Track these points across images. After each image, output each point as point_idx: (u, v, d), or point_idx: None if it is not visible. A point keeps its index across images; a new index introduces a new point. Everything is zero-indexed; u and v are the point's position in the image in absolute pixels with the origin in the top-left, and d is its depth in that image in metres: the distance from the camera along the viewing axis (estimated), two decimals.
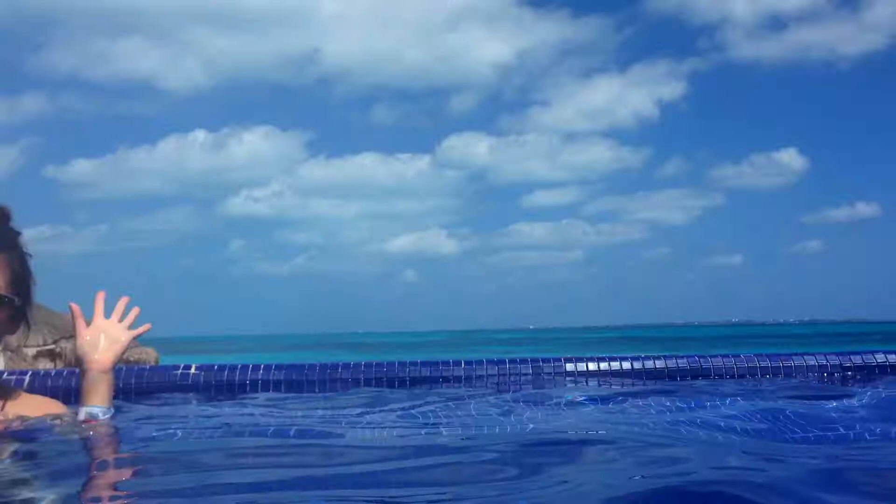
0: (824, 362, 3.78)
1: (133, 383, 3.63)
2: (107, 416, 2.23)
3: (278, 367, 3.69)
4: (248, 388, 3.63)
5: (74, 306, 2.29)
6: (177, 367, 3.66)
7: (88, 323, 2.30)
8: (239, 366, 3.69)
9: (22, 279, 2.08)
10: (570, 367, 3.79)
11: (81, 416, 2.20)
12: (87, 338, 2.27)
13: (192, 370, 3.65)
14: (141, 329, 2.37)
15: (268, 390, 3.63)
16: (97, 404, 2.23)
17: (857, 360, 3.78)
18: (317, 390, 3.62)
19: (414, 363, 3.80)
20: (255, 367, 3.69)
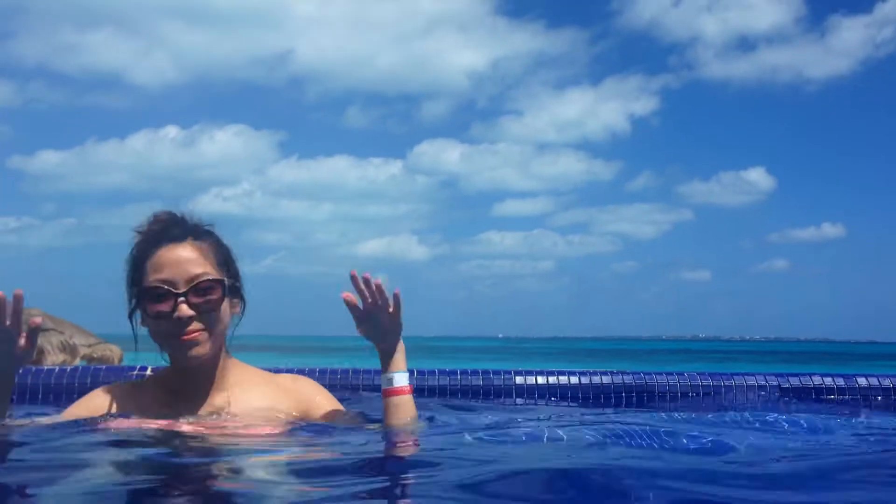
0: (763, 382, 3.92)
1: (89, 384, 3.67)
2: (403, 382, 2.28)
3: None
4: None
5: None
6: (133, 368, 3.71)
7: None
8: None
9: (228, 260, 2.20)
10: (519, 379, 3.89)
11: (384, 383, 2.29)
12: (368, 326, 2.26)
13: (149, 371, 3.69)
14: (395, 299, 2.24)
15: None
16: (395, 370, 2.28)
17: (795, 381, 3.93)
18: None
19: (367, 371, 3.88)
20: None
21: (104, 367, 3.89)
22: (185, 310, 2.06)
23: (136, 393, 2.26)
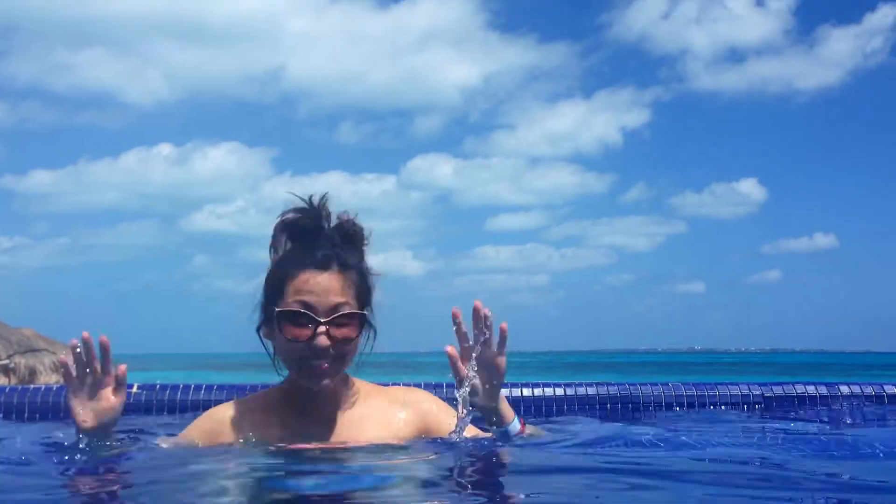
0: (747, 392, 3.95)
1: None
2: (517, 426, 2.28)
3: (220, 388, 3.77)
4: (189, 409, 3.70)
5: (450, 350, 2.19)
6: None
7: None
8: (181, 386, 3.76)
9: (367, 290, 2.15)
10: (504, 391, 3.91)
11: (512, 433, 2.26)
12: (476, 386, 2.20)
13: (135, 389, 3.71)
14: (503, 341, 2.20)
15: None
16: (509, 420, 2.28)
17: (779, 390, 3.96)
18: None
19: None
20: (198, 388, 3.77)
21: None
22: (323, 340, 2.03)
23: (256, 411, 2.22)
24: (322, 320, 2.03)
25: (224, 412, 2.22)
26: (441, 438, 2.17)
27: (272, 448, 2.08)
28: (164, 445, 2.21)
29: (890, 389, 3.97)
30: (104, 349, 2.05)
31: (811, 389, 3.96)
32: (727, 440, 2.51)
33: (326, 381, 2.07)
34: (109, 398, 2.07)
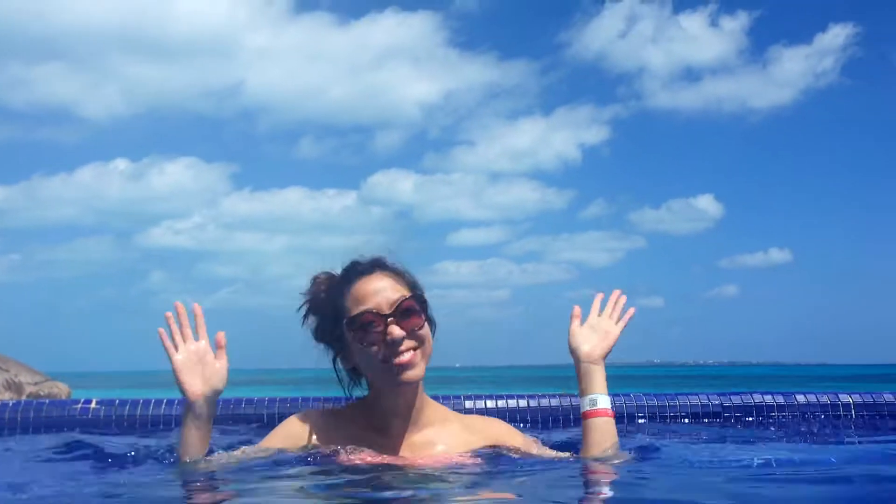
0: (706, 402, 4.01)
1: (32, 418, 3.62)
2: (606, 404, 2.35)
3: (181, 403, 3.72)
4: (149, 424, 3.66)
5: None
6: (77, 402, 3.67)
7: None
8: (141, 401, 3.71)
9: (415, 283, 2.28)
10: (469, 404, 3.93)
11: (585, 405, 2.35)
12: (579, 334, 2.43)
13: (93, 405, 3.65)
14: (627, 316, 2.48)
15: (170, 426, 3.66)
16: (596, 392, 2.36)
17: (737, 400, 4.02)
18: (220, 426, 3.66)
19: (317, 398, 3.88)
20: (158, 402, 3.72)
21: (48, 401, 3.83)
22: (396, 331, 2.11)
23: (339, 423, 2.26)
24: (388, 313, 2.12)
25: (306, 420, 2.26)
26: (515, 457, 2.23)
27: (345, 460, 2.10)
28: (242, 454, 2.21)
29: (844, 398, 4.05)
30: (196, 316, 2.20)
31: (768, 399, 4.03)
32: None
33: (409, 376, 2.13)
34: (213, 363, 2.18)
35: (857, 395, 4.02)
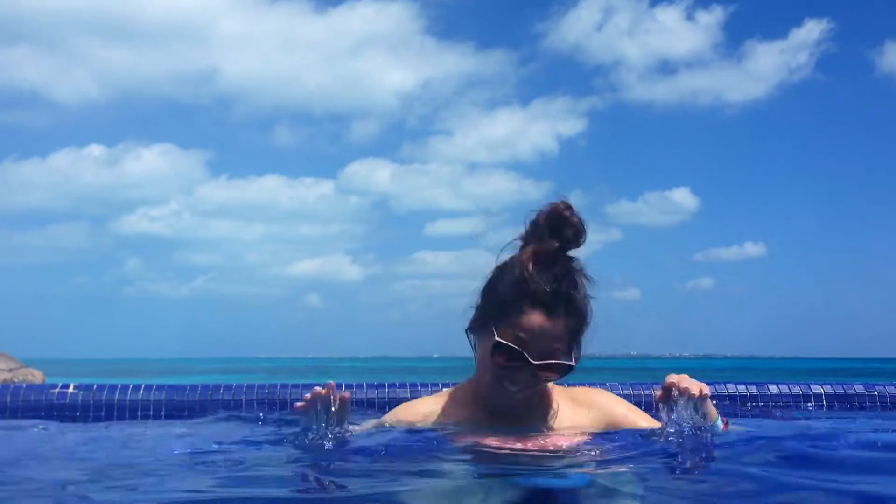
0: None
1: (9, 402, 3.60)
2: (720, 423, 2.24)
3: (159, 388, 3.73)
4: (127, 409, 3.66)
5: None
6: (55, 386, 3.66)
7: None
8: (119, 386, 3.71)
9: (580, 336, 2.17)
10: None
11: (718, 429, 2.20)
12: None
13: (71, 389, 3.65)
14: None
15: (148, 411, 3.67)
16: (714, 418, 2.23)
17: (711, 389, 4.08)
18: (197, 411, 3.67)
19: (296, 385, 3.90)
20: (136, 388, 3.72)
21: (25, 385, 3.81)
22: (528, 381, 2.11)
23: (449, 406, 2.27)
24: (534, 363, 2.09)
25: (419, 406, 2.29)
26: (634, 434, 2.19)
27: (459, 441, 2.11)
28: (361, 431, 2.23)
29: (816, 389, 4.12)
30: (343, 403, 2.08)
31: (742, 389, 4.09)
32: None
33: (517, 401, 2.14)
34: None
35: (829, 386, 4.10)
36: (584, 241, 2.20)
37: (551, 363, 2.10)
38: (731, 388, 4.10)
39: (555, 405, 2.27)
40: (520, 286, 2.12)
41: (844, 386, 4.09)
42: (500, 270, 2.22)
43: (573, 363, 2.14)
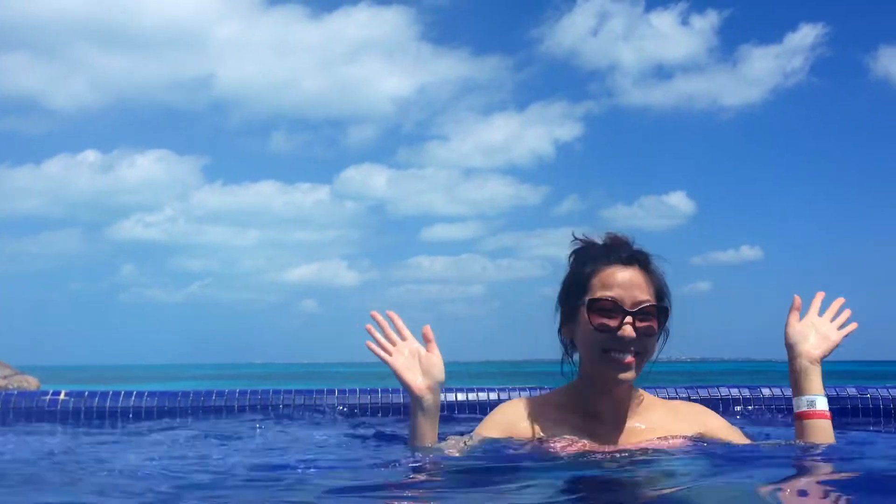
0: (674, 395, 4.07)
1: (0, 409, 3.59)
2: (824, 406, 2.25)
3: (151, 395, 3.72)
4: (119, 415, 3.65)
5: None
6: (45, 393, 3.65)
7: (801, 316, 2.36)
8: (110, 392, 3.70)
9: (663, 293, 2.25)
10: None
11: (802, 405, 2.26)
12: (798, 329, 2.33)
13: (62, 396, 3.64)
14: (849, 329, 2.36)
15: (140, 418, 3.66)
16: (814, 393, 2.26)
17: (704, 393, 4.09)
18: (190, 418, 3.67)
19: (289, 391, 3.90)
20: (128, 394, 3.71)
21: (16, 392, 3.80)
22: (629, 330, 2.11)
23: (548, 408, 2.28)
24: (630, 310, 2.12)
25: (518, 407, 2.30)
26: (725, 448, 2.17)
27: (556, 447, 2.13)
28: (465, 444, 2.23)
29: None
30: (394, 320, 2.26)
31: (735, 392, 4.09)
32: None
33: (627, 374, 2.14)
34: (427, 356, 2.23)
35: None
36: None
37: (645, 307, 2.14)
38: (723, 391, 4.10)
39: (650, 411, 2.29)
40: (599, 255, 2.23)
41: (837, 389, 4.09)
42: (576, 257, 2.29)
43: (667, 315, 2.21)
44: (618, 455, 2.09)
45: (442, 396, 3.92)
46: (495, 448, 2.15)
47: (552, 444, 2.15)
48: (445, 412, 3.88)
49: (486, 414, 3.80)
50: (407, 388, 2.19)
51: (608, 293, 2.15)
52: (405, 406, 3.90)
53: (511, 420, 2.27)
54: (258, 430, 3.17)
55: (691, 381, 4.57)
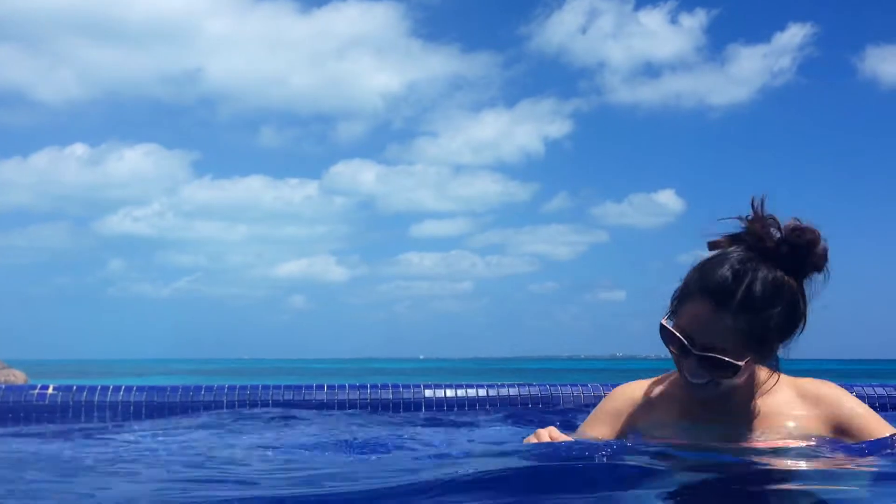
0: None
1: None
2: None
3: (139, 389, 3.72)
4: (107, 410, 3.64)
5: None
6: (33, 387, 3.64)
7: None
8: (98, 387, 3.69)
9: (766, 338, 1.96)
10: (428, 393, 3.97)
11: None
12: None
13: (50, 390, 3.63)
14: None
15: (128, 413, 3.65)
16: None
17: None
18: (178, 413, 3.66)
19: (277, 387, 3.90)
20: (116, 389, 3.70)
21: (4, 386, 3.79)
22: (690, 370, 1.98)
23: (662, 394, 2.17)
24: (694, 352, 1.96)
25: (631, 392, 2.22)
26: (863, 443, 1.98)
27: (669, 435, 2.06)
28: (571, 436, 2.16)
29: None
30: None
31: None
32: None
33: (699, 394, 2.00)
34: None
35: None
36: (812, 267, 2.02)
37: (711, 356, 1.94)
38: None
39: (773, 394, 2.08)
40: (700, 274, 2.03)
41: None
42: (712, 257, 2.09)
43: (740, 364, 1.93)
44: (739, 444, 1.98)
45: (431, 392, 3.96)
46: (602, 438, 2.13)
47: (658, 431, 2.07)
48: (434, 409, 3.91)
49: (473, 411, 3.82)
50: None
51: (684, 323, 2.01)
52: (394, 402, 3.91)
53: (620, 408, 2.20)
54: (249, 426, 3.16)
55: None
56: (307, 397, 3.84)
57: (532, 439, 2.00)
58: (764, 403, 2.07)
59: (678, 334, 1.98)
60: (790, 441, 2.01)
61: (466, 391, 3.99)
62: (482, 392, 4.00)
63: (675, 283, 2.09)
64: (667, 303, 2.07)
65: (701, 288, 1.98)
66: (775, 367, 2.04)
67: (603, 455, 1.83)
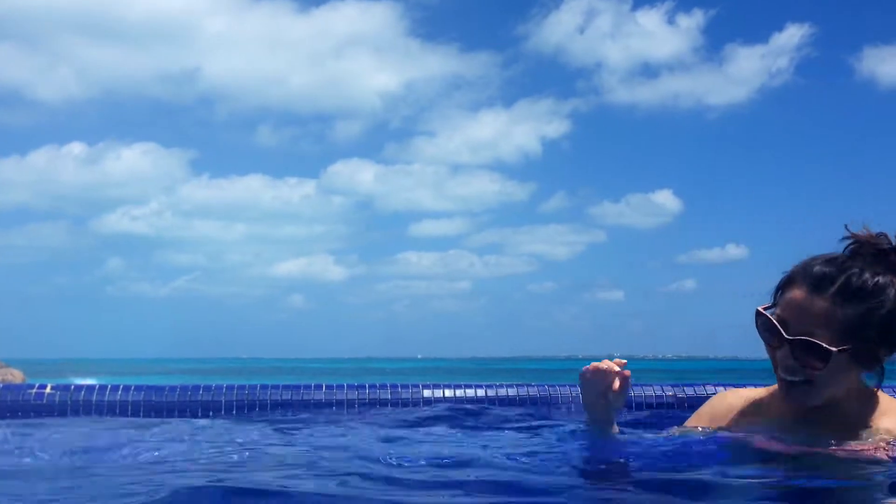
0: (660, 392, 4.09)
1: None
2: None
3: (137, 389, 3.71)
4: (105, 409, 3.63)
5: None
6: (31, 387, 3.63)
7: None
8: (97, 386, 3.69)
9: (864, 329, 1.92)
10: (427, 393, 3.96)
11: None
12: None
13: (48, 389, 3.62)
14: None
15: (126, 412, 3.64)
16: None
17: (690, 391, 4.11)
18: (176, 412, 3.65)
19: (276, 386, 3.89)
20: (114, 388, 3.70)
21: (1, 384, 3.78)
22: (782, 359, 1.97)
23: (760, 406, 2.18)
24: (787, 338, 1.95)
25: (728, 400, 2.27)
26: None
27: (764, 445, 2.05)
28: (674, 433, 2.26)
29: None
30: (624, 383, 2.10)
31: (721, 390, 4.11)
32: None
33: (794, 397, 1.99)
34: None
35: None
36: None
37: (805, 340, 1.91)
38: (710, 389, 4.12)
39: (875, 420, 2.03)
40: (804, 264, 2.03)
41: None
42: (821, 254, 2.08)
43: (832, 349, 1.90)
44: (823, 457, 1.96)
45: (430, 392, 3.95)
46: (699, 440, 2.15)
47: (755, 441, 2.07)
48: (429, 409, 3.90)
49: (471, 411, 3.82)
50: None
51: (780, 311, 2.03)
52: (392, 401, 3.90)
53: (720, 413, 2.24)
54: (249, 426, 3.16)
55: (677, 380, 4.58)
56: (305, 397, 3.84)
57: (590, 369, 2.08)
58: (866, 419, 2.03)
59: (773, 320, 1.99)
60: (864, 454, 1.95)
61: (465, 391, 3.98)
62: (481, 392, 3.99)
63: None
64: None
65: (803, 276, 1.99)
66: (879, 380, 1.99)
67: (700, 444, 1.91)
